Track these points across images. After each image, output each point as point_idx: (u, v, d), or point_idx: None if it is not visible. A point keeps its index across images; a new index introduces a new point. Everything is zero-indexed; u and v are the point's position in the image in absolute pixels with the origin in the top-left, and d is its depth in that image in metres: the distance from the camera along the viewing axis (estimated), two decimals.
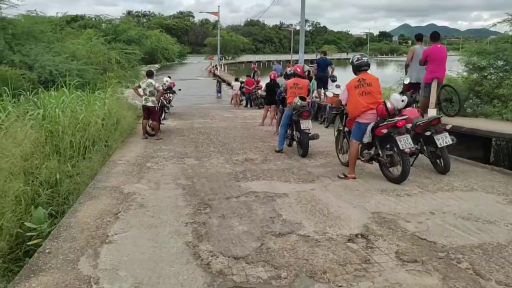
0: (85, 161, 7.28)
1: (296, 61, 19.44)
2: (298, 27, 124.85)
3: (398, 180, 5.74)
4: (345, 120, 6.73)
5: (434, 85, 8.06)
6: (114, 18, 27.54)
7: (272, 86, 12.75)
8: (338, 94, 11.77)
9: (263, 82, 21.69)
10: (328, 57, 14.94)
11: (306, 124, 7.78)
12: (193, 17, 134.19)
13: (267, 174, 6.52)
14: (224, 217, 4.57)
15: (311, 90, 8.05)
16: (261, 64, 73.15)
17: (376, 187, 5.70)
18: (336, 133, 9.17)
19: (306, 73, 8.21)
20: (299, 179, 6.19)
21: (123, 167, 7.11)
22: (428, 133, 6.16)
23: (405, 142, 5.46)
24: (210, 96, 27.92)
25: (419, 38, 9.58)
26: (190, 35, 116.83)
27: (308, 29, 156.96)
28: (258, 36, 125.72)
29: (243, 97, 21.80)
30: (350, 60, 6.14)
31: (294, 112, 8.06)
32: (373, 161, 6.20)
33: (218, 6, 52.74)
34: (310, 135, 7.84)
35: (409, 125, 5.61)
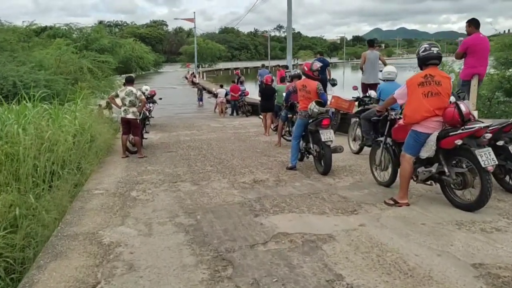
0: (52, 191, 5.66)
1: (286, 66, 18.06)
2: (273, 33, 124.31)
3: (473, 207, 4.33)
4: (387, 127, 5.32)
5: (474, 83, 6.77)
6: (85, 26, 25.69)
7: (267, 91, 11.30)
8: (341, 98, 10.47)
9: (247, 88, 20.32)
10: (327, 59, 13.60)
11: (328, 135, 6.34)
12: (167, 25, 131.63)
13: (291, 203, 5.02)
14: (259, 285, 3.04)
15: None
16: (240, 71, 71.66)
17: (445, 217, 4.27)
18: (358, 141, 7.85)
19: (316, 73, 6.72)
20: (336, 210, 4.70)
21: (100, 199, 5.49)
22: (500, 143, 4.77)
23: (487, 158, 4.05)
24: (191, 105, 26.33)
25: (370, 44, 10.47)
26: (165, 44, 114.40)
27: (283, 35, 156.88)
28: (234, 43, 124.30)
29: (228, 105, 20.32)
30: (416, 51, 4.70)
31: (310, 121, 6.61)
32: (432, 182, 4.78)
33: (194, 13, 51.40)
34: (333, 147, 6.40)
35: (489, 135, 4.21)
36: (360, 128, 7.87)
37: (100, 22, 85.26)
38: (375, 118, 6.15)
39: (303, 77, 7.13)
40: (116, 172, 7.11)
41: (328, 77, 12.00)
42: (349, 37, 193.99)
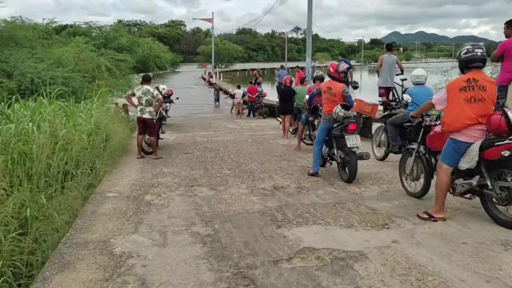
0: (65, 192, 5.43)
1: (302, 68, 17.71)
2: (290, 35, 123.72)
3: None
4: (421, 134, 4.93)
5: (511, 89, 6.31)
6: (104, 25, 25.70)
7: (286, 92, 10.95)
8: (364, 101, 10.05)
9: (263, 90, 19.97)
10: (347, 60, 13.18)
11: (354, 141, 5.96)
12: (185, 25, 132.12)
13: (315, 214, 4.67)
14: None
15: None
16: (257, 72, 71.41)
17: (488, 236, 3.87)
18: (383, 148, 7.43)
19: (342, 75, 6.35)
20: (365, 223, 4.34)
21: (113, 203, 5.22)
22: None
23: None
24: (207, 105, 26.06)
25: (389, 47, 10.52)
26: (182, 44, 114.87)
27: (300, 37, 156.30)
28: (251, 44, 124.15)
29: (245, 106, 20.01)
30: (458, 53, 4.31)
31: (335, 126, 6.25)
32: (471, 195, 4.38)
33: (212, 13, 51.14)
34: (358, 154, 6.03)
35: None
36: (386, 134, 7.48)
37: (119, 22, 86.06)
38: (407, 124, 5.75)
39: (327, 78, 6.78)
40: (130, 174, 6.85)
41: (350, 80, 11.59)
42: (366, 40, 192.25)
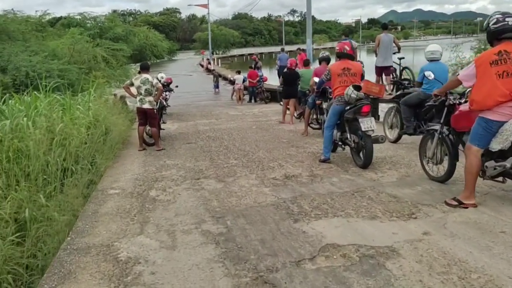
0: (64, 190, 5.12)
1: (303, 50, 17.19)
2: (287, 18, 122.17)
3: None
4: (444, 114, 4.57)
5: None
6: (99, 15, 25.12)
7: (290, 76, 10.52)
8: (371, 81, 9.65)
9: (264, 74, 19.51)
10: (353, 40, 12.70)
11: (368, 123, 5.59)
12: (180, 13, 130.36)
13: (333, 204, 4.33)
14: None
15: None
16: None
17: None
18: (395, 129, 7.06)
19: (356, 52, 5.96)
20: (389, 213, 4.00)
21: (116, 200, 4.88)
22: None
23: None
24: (207, 92, 25.59)
25: (384, 27, 11.20)
26: (178, 32, 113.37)
27: (296, 19, 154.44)
28: (247, 29, 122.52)
29: (245, 92, 19.57)
30: (485, 23, 3.92)
31: (347, 108, 5.87)
32: (504, 178, 4.03)
33: None
34: (373, 137, 5.67)
35: None
36: (399, 115, 7.12)
37: (114, 11, 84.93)
38: (429, 103, 5.37)
39: (333, 60, 6.33)
40: (133, 168, 6.51)
41: (355, 60, 11.18)
42: (364, 20, 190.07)
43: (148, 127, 7.97)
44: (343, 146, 6.36)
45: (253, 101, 18.66)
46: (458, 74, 4.06)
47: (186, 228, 3.90)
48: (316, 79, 7.14)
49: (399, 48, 10.65)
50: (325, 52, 8.91)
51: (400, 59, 10.30)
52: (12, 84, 10.44)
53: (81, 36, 17.62)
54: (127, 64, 21.46)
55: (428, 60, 6.47)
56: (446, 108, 4.58)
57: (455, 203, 4.02)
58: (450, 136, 4.59)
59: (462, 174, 4.13)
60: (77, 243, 3.69)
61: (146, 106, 7.67)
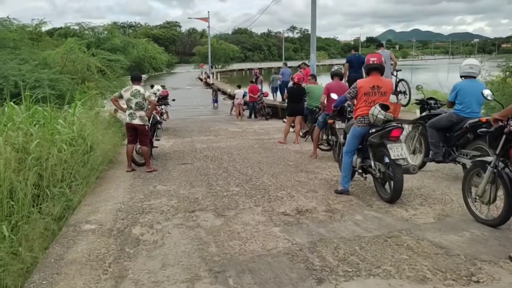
0: (31, 220, 4.20)
1: (307, 65, 16.37)
2: (286, 34, 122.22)
3: None
4: (501, 144, 3.67)
5: None
6: (97, 25, 24.43)
7: (297, 91, 9.66)
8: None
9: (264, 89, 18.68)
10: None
11: (399, 150, 4.68)
12: (180, 26, 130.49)
13: (365, 256, 3.38)
14: None
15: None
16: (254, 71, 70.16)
17: None
18: (419, 155, 6.13)
19: None
20: (442, 273, 3.05)
21: (89, 241, 3.92)
22: None
23: None
24: (205, 106, 24.76)
25: (380, 45, 11.75)
26: (178, 45, 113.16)
27: (296, 36, 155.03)
28: (247, 44, 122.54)
29: (245, 107, 18.73)
30: None
31: (372, 131, 4.96)
32: None
33: (208, 12, 49.79)
34: (404, 167, 4.75)
35: None
36: (423, 139, 6.23)
37: (114, 23, 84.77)
38: (483, 130, 4.46)
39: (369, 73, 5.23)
40: (117, 194, 5.55)
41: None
42: (362, 38, 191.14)
43: (138, 145, 7.04)
44: (364, 175, 5.42)
45: (253, 117, 17.83)
46: None
47: None
48: (334, 96, 6.25)
49: (395, 64, 10.81)
50: (335, 66, 8.07)
51: (397, 71, 10.83)
52: None
53: (74, 45, 16.89)
54: (124, 75, 20.67)
55: (462, 76, 5.61)
56: (504, 136, 3.67)
57: None
58: (507, 171, 3.68)
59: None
60: None
61: (137, 122, 6.74)
